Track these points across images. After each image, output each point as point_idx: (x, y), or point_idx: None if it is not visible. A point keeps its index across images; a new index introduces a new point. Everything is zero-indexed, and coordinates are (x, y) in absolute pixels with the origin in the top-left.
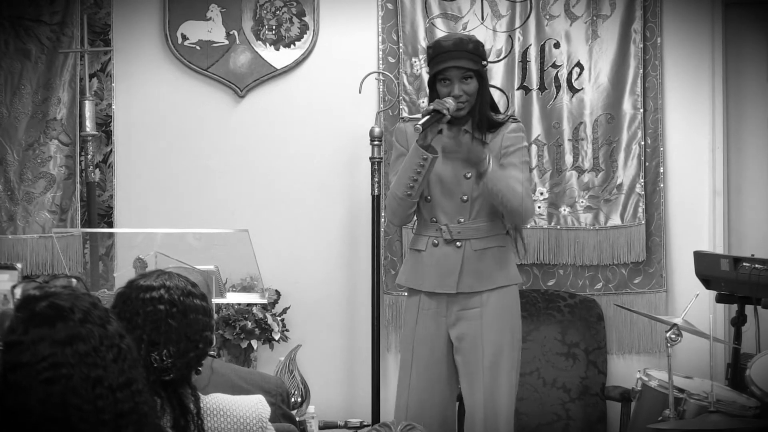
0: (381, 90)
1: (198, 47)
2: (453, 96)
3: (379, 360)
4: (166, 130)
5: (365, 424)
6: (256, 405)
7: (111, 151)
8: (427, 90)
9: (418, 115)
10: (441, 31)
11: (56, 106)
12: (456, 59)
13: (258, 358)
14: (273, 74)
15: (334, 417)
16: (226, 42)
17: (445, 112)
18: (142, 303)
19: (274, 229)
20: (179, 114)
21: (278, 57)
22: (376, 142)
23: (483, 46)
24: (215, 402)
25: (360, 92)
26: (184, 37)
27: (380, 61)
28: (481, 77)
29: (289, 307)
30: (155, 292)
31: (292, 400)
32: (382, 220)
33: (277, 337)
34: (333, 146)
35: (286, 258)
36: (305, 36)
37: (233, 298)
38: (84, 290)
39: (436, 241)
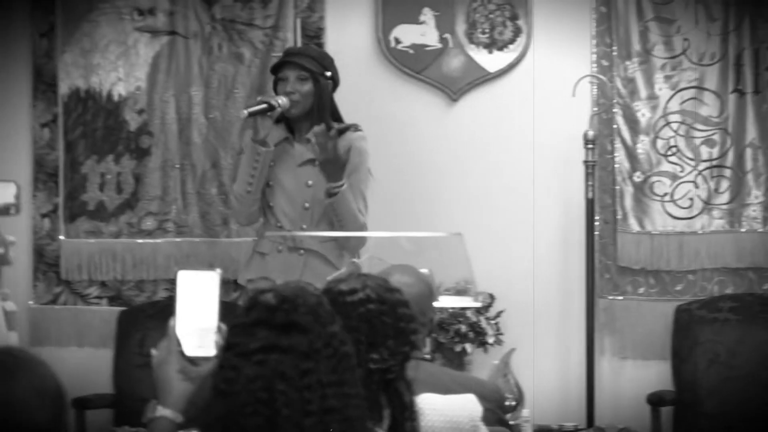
0: (594, 93)
1: (411, 51)
2: (286, 92)
3: (593, 364)
4: (379, 133)
5: (580, 428)
6: (468, 404)
7: None
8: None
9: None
10: (654, 35)
11: None
12: (295, 57)
13: (472, 361)
14: (486, 78)
15: (548, 421)
16: (440, 45)
17: (275, 104)
18: (352, 306)
19: (487, 232)
20: (392, 117)
21: (491, 60)
22: (589, 146)
23: (332, 61)
24: (427, 401)
25: (573, 95)
26: (398, 41)
27: (593, 65)
28: (318, 83)
29: (503, 311)
30: (361, 293)
31: (506, 403)
32: (596, 223)
33: (491, 340)
34: (546, 149)
35: (500, 261)
36: (518, 39)
37: (446, 302)
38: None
39: (280, 248)
